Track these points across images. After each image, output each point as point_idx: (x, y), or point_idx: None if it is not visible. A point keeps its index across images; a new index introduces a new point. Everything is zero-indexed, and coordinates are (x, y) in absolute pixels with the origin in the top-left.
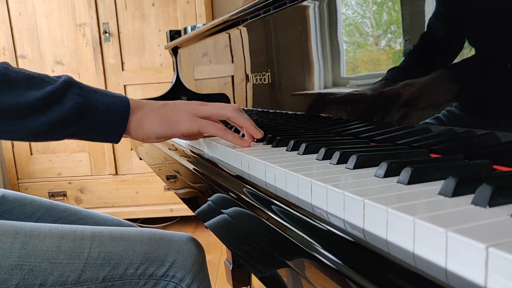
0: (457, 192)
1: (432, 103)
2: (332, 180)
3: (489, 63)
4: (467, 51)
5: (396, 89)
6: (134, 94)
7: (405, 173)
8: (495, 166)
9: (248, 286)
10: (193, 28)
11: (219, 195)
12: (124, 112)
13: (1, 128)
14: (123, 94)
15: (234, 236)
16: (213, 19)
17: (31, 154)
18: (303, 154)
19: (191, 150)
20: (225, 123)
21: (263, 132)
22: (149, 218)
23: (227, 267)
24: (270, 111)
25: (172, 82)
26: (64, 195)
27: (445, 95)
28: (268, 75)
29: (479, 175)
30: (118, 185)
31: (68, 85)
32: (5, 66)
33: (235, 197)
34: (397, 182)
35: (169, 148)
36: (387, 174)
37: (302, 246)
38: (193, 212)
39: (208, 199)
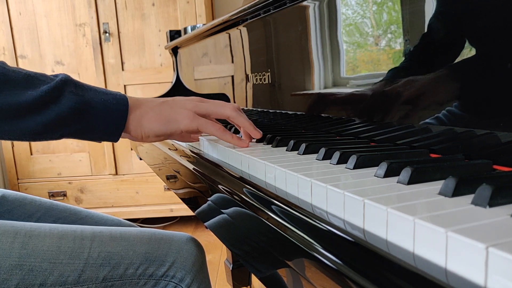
0: (457, 192)
1: (432, 103)
2: (332, 180)
3: (489, 63)
4: (467, 51)
5: (396, 89)
6: (134, 94)
7: (405, 173)
8: (495, 166)
9: (248, 286)
10: (193, 28)
11: (219, 195)
12: (122, 111)
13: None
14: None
15: (234, 236)
16: (213, 19)
17: (31, 154)
18: (303, 154)
19: (191, 150)
20: (223, 122)
21: (261, 132)
22: (149, 218)
23: (227, 267)
24: (270, 111)
25: (172, 82)
26: (64, 195)
27: (445, 95)
28: (268, 75)
29: (479, 175)
30: (118, 185)
31: (65, 84)
32: (2, 65)
33: (235, 197)
34: (397, 182)
35: (169, 148)
36: (387, 174)
37: (302, 246)
38: (193, 212)
39: (208, 199)
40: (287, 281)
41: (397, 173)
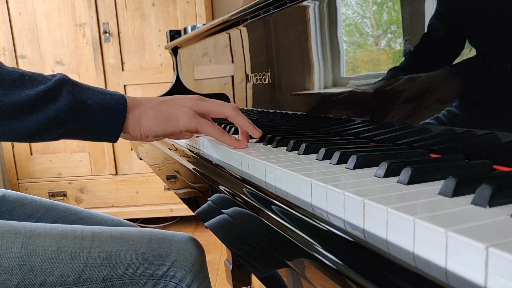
0: (457, 192)
1: (432, 103)
2: (332, 180)
3: (489, 63)
4: (467, 51)
5: (396, 89)
6: (134, 94)
7: (405, 173)
8: (495, 166)
9: (248, 286)
10: (193, 28)
11: (219, 195)
12: (120, 110)
13: None
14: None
15: (234, 236)
16: (213, 19)
17: (31, 154)
18: (303, 154)
19: (191, 150)
20: (223, 121)
21: (261, 131)
22: (149, 218)
23: (227, 267)
24: (270, 111)
25: (172, 82)
26: (64, 195)
27: (445, 95)
28: (268, 75)
29: (479, 175)
30: (118, 185)
31: (62, 84)
32: None
33: (235, 197)
34: (397, 182)
35: (169, 148)
36: (387, 174)
37: (302, 246)
38: (193, 212)
39: (208, 199)
40: (287, 281)
41: (397, 173)
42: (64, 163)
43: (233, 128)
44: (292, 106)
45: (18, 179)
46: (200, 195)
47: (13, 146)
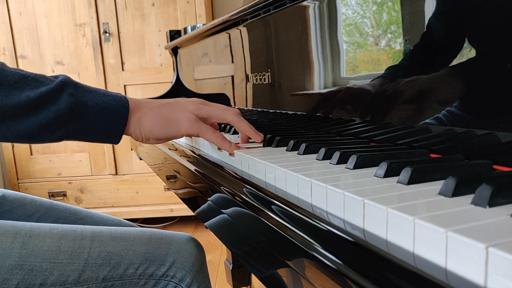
0: (457, 192)
1: (432, 103)
2: (332, 180)
3: (489, 63)
4: (467, 51)
5: (396, 89)
6: (134, 94)
7: (405, 173)
8: (495, 166)
9: (248, 286)
10: (193, 28)
11: (219, 195)
12: (121, 112)
13: None
14: (123, 94)
15: (234, 236)
16: (213, 19)
17: (31, 154)
18: (303, 154)
19: (191, 150)
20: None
21: (263, 136)
22: (149, 218)
23: (227, 267)
24: (270, 111)
25: (172, 82)
26: (64, 195)
27: (445, 95)
28: (268, 75)
29: (479, 175)
30: (118, 185)
31: (64, 85)
32: (0, 66)
33: (235, 197)
34: (397, 182)
35: (169, 148)
36: (387, 174)
37: (302, 246)
38: (193, 212)
39: (208, 199)
40: (287, 281)
41: (397, 173)
42: (64, 163)
43: (233, 128)
44: (292, 106)
45: (18, 179)
46: (200, 195)
47: (13, 146)
